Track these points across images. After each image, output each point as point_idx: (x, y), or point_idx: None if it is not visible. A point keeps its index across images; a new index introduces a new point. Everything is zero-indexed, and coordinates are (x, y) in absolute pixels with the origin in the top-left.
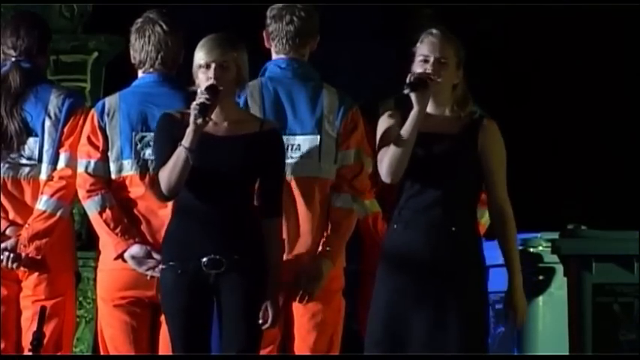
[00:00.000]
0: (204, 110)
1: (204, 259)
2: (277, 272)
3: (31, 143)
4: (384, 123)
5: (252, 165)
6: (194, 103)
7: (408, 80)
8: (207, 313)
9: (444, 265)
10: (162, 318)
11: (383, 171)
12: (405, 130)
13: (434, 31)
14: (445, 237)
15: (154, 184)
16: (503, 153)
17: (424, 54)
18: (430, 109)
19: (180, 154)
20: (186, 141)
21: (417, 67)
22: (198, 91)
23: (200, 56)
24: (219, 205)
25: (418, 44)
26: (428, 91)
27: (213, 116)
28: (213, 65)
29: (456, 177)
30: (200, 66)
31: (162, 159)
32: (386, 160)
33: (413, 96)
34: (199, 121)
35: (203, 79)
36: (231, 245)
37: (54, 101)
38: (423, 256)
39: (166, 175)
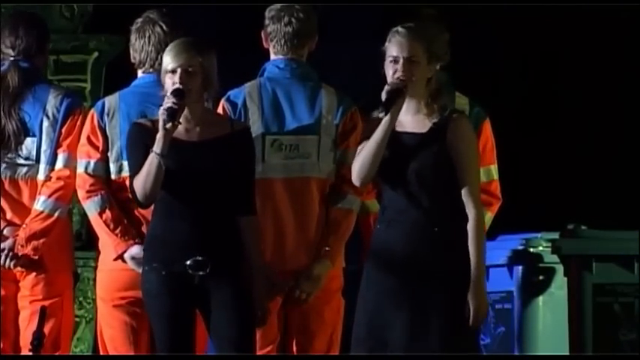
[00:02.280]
0: (173, 114)
1: (189, 261)
2: (259, 271)
3: (29, 143)
4: (366, 127)
5: (228, 165)
6: (161, 108)
7: (383, 98)
8: (192, 315)
9: (425, 265)
10: None
11: (353, 173)
12: (375, 136)
13: (400, 29)
14: (426, 237)
15: (132, 194)
16: (471, 148)
17: (393, 55)
18: (404, 106)
19: (152, 161)
20: (157, 147)
21: (388, 68)
22: (165, 96)
23: (167, 61)
24: (201, 207)
25: (387, 44)
26: (402, 100)
27: (184, 122)
28: (178, 70)
29: (431, 176)
30: (167, 71)
31: (136, 168)
32: (355, 163)
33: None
34: (169, 125)
35: (169, 84)
36: (214, 246)
37: (52, 101)
38: (404, 256)
39: (141, 183)
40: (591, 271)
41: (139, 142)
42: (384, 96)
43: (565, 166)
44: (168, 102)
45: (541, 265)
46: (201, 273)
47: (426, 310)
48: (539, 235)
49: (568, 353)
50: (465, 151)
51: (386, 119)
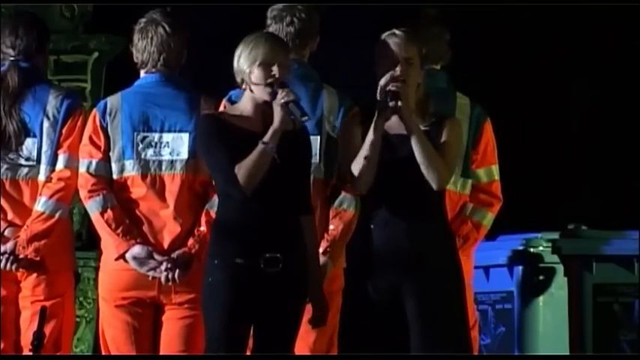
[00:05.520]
0: (300, 105)
1: (263, 257)
2: (317, 269)
3: (30, 144)
4: (351, 130)
5: (297, 161)
6: (282, 101)
7: (385, 94)
8: (252, 310)
9: (420, 262)
10: (164, 318)
11: (354, 184)
12: (366, 143)
13: (397, 31)
14: (421, 234)
15: (230, 183)
16: (456, 144)
17: (390, 55)
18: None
19: (264, 152)
20: (271, 139)
21: (381, 67)
22: (278, 90)
23: (259, 53)
24: (275, 203)
25: (381, 44)
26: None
27: (265, 117)
28: (276, 65)
29: (421, 176)
30: (260, 64)
31: (226, 159)
32: (353, 171)
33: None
34: (305, 118)
35: (262, 76)
36: (286, 243)
37: (52, 102)
38: (399, 253)
39: (248, 173)
40: (591, 271)
41: (221, 134)
42: (387, 93)
43: (565, 166)
44: (291, 95)
45: (541, 265)
46: (273, 270)
47: (423, 304)
48: (539, 235)
49: (568, 353)
50: (451, 142)
51: (374, 126)
